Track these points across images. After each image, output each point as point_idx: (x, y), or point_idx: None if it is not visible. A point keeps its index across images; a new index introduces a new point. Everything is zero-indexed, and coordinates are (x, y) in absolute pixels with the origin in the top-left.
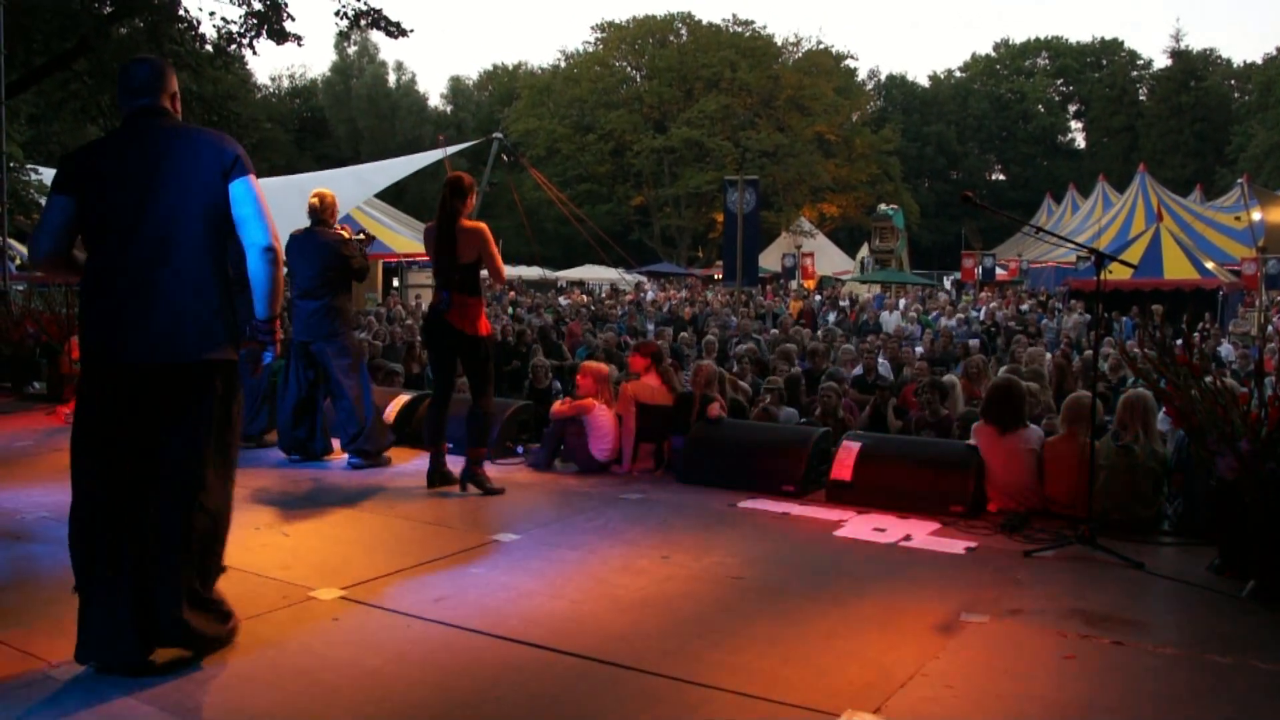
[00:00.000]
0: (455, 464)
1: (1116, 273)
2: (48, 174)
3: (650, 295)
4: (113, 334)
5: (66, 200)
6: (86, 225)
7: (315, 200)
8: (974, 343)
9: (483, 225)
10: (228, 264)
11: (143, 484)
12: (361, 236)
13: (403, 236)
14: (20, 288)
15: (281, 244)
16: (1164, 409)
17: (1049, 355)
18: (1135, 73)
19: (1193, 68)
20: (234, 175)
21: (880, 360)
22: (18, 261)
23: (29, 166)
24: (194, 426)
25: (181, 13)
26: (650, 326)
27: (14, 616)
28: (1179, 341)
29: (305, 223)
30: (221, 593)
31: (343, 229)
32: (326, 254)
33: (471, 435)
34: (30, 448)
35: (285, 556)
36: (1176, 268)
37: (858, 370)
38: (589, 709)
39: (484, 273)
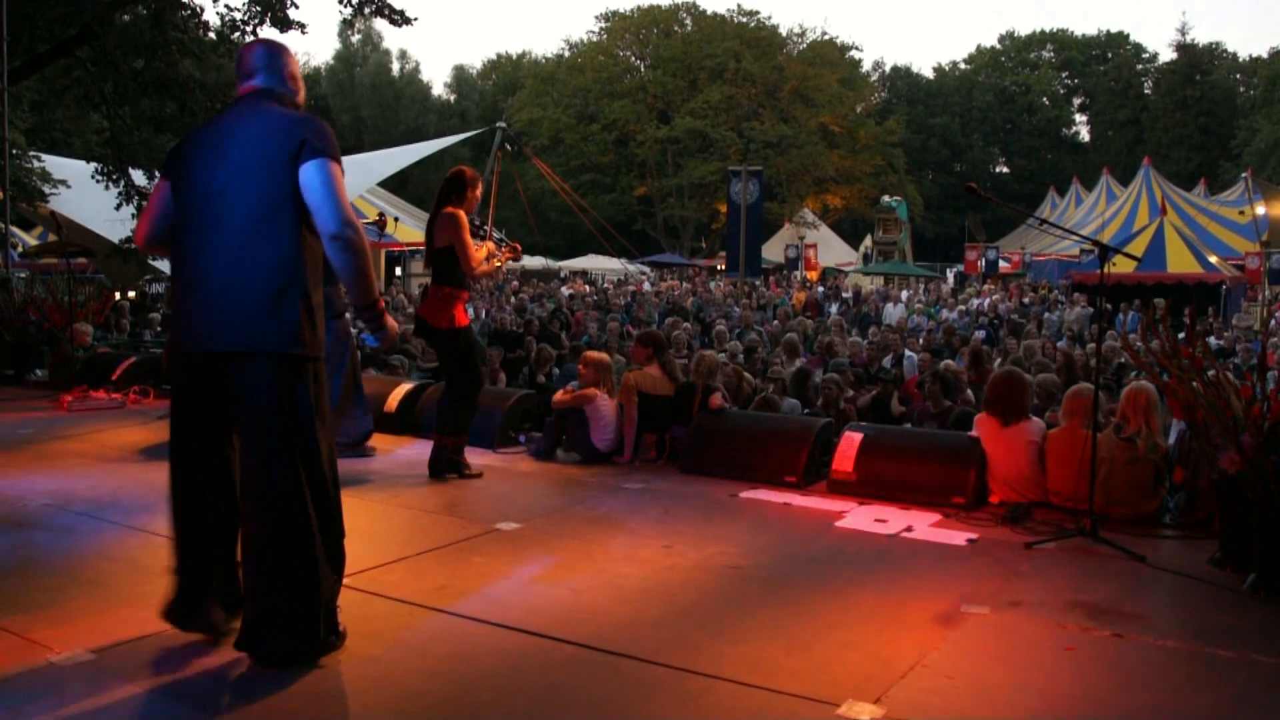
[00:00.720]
0: (474, 454)
1: (1120, 266)
2: (50, 161)
3: (649, 286)
4: (184, 320)
5: (164, 185)
6: (178, 210)
7: None
8: (980, 334)
9: (458, 211)
10: (305, 250)
11: (222, 472)
12: (374, 224)
13: (405, 226)
14: (23, 275)
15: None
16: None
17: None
18: (1140, 66)
19: (1198, 62)
20: (303, 159)
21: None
22: (20, 249)
23: (31, 153)
24: (261, 423)
25: (185, 0)
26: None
27: (16, 603)
28: (1180, 335)
29: None
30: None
31: None
32: None
33: (447, 424)
34: (32, 435)
35: None
36: (1180, 261)
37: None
38: (589, 698)
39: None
